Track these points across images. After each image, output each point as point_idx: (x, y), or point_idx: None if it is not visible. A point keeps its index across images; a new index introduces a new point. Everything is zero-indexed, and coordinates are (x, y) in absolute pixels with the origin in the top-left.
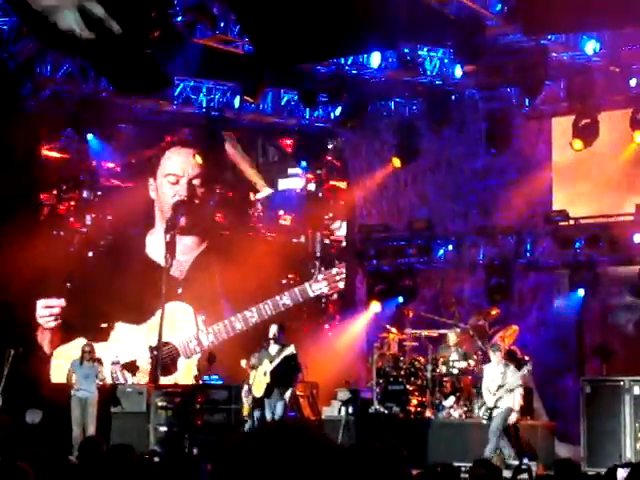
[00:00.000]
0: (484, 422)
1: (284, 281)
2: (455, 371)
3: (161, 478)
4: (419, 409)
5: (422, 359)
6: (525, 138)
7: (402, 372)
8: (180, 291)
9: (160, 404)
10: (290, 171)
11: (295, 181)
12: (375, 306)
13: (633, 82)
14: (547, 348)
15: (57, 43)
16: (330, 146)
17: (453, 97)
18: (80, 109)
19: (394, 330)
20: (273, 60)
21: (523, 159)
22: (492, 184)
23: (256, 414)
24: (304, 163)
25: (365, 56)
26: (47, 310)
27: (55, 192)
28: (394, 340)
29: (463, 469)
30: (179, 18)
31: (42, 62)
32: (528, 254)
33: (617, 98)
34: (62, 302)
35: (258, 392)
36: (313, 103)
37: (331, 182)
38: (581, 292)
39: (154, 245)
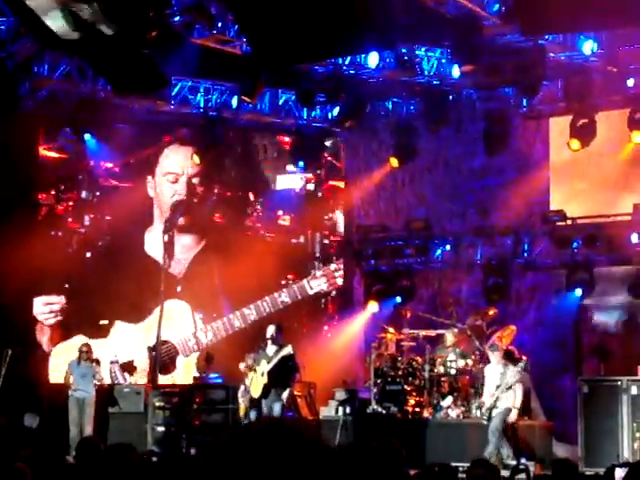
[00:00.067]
0: (484, 422)
1: (283, 281)
2: (453, 371)
3: (159, 478)
4: (417, 409)
5: (420, 359)
6: (523, 138)
7: (400, 372)
8: (179, 289)
9: (158, 404)
10: (289, 169)
11: (294, 180)
12: (373, 306)
13: (630, 82)
14: (545, 348)
15: (54, 43)
16: (327, 143)
17: (451, 97)
18: (78, 109)
19: (392, 330)
20: (271, 60)
21: (521, 159)
22: (490, 184)
23: (252, 414)
24: (301, 163)
25: (363, 56)
26: (47, 307)
27: (53, 192)
28: (392, 340)
29: (461, 469)
30: (177, 18)
31: (40, 62)
32: (526, 254)
33: (615, 98)
34: (62, 299)
35: (255, 392)
36: (311, 103)
37: (330, 182)
38: (578, 292)
39: (152, 243)
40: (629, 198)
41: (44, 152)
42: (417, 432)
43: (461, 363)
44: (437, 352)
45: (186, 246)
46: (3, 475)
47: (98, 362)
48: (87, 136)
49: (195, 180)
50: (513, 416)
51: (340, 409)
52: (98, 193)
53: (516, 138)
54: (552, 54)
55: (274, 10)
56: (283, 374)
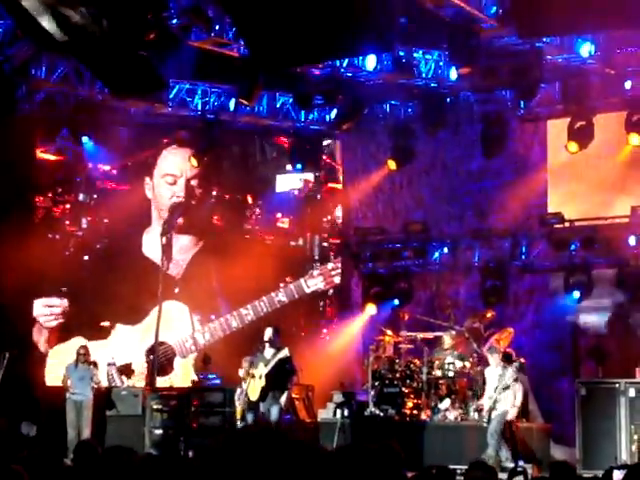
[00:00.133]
0: (484, 425)
1: (282, 284)
2: (450, 374)
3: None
4: (415, 411)
5: (417, 362)
6: (520, 140)
7: (398, 375)
8: (177, 290)
9: (155, 407)
10: (289, 169)
11: (294, 181)
12: (371, 308)
13: (628, 84)
14: (542, 350)
15: (52, 45)
16: (325, 143)
17: (448, 99)
18: (75, 112)
19: (389, 333)
20: (268, 62)
21: (518, 161)
22: (487, 186)
23: (249, 417)
24: (299, 165)
25: (360, 58)
26: (48, 309)
27: (50, 195)
28: (389, 343)
29: (458, 471)
30: (174, 21)
31: (37, 65)
32: (523, 256)
33: (612, 100)
34: (65, 302)
35: (253, 396)
36: (308, 105)
37: (330, 184)
38: (576, 294)
39: (150, 244)
40: (627, 200)
41: (41, 155)
42: (415, 434)
43: (459, 365)
44: (435, 354)
45: (184, 247)
46: (1, 477)
47: (95, 364)
48: (85, 139)
49: (194, 182)
50: (512, 414)
51: (338, 412)
52: (95, 196)
53: (514, 141)
54: (549, 56)
55: (271, 12)
56: (280, 377)
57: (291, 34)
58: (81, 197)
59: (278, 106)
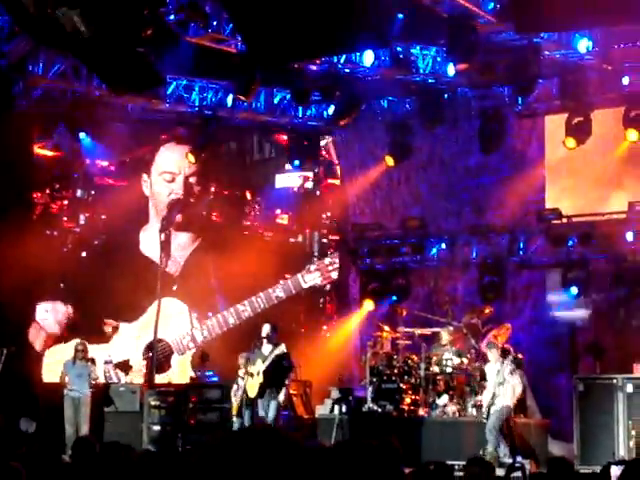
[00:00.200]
0: (484, 421)
1: (281, 281)
2: (448, 369)
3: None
4: (412, 407)
5: (415, 357)
6: (518, 136)
7: (395, 370)
8: (175, 288)
9: (153, 403)
10: (287, 167)
11: (292, 178)
12: (368, 304)
13: (625, 80)
14: (540, 346)
15: (49, 41)
16: (323, 142)
17: (446, 95)
18: (72, 108)
19: (387, 328)
20: (266, 58)
21: (516, 157)
22: (485, 182)
23: (245, 413)
24: (297, 162)
25: (358, 54)
26: (51, 315)
27: (48, 191)
28: (387, 339)
29: (456, 467)
30: (171, 17)
31: (34, 61)
32: (521, 252)
33: (610, 96)
34: (69, 309)
35: (252, 392)
36: (306, 101)
37: (329, 180)
38: (574, 290)
39: (147, 241)
40: (624, 196)
41: (39, 151)
42: (413, 430)
43: (457, 361)
44: (433, 350)
45: (182, 245)
46: None
47: (93, 361)
48: (82, 135)
49: (192, 179)
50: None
51: (336, 407)
52: (93, 192)
53: (511, 136)
54: (547, 52)
55: (269, 8)
56: (278, 373)
57: (288, 30)
58: (79, 193)
59: (276, 102)
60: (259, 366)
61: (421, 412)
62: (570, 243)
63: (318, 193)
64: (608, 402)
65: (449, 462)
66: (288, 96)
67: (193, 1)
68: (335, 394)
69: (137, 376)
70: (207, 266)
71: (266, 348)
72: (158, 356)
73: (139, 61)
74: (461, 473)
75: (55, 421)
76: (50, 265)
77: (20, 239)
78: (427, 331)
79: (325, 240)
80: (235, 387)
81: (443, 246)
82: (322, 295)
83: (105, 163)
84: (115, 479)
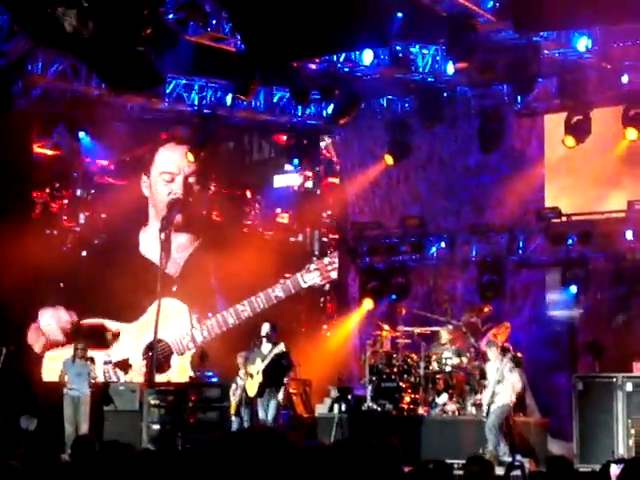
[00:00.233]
0: (484, 420)
1: (282, 280)
2: (448, 368)
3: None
4: (412, 406)
5: (415, 356)
6: (517, 135)
7: (395, 369)
8: (175, 289)
9: (153, 402)
10: (287, 168)
11: (292, 178)
12: (368, 303)
13: (625, 79)
14: (539, 345)
15: (49, 40)
16: (323, 143)
17: (445, 94)
18: (72, 107)
19: (387, 327)
20: (265, 57)
21: (515, 156)
22: (484, 181)
23: (244, 412)
24: (296, 161)
25: (357, 53)
26: (53, 321)
27: (48, 190)
28: (387, 337)
29: (456, 466)
30: (171, 16)
31: (33, 60)
32: (520, 251)
33: (609, 95)
34: (74, 316)
35: (252, 391)
36: (305, 100)
37: (329, 179)
38: (573, 289)
39: (147, 242)
40: (622, 195)
41: (38, 150)
42: (412, 429)
43: (456, 360)
44: (432, 349)
45: (182, 246)
46: None
47: (93, 360)
48: (81, 134)
49: (191, 179)
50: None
51: (336, 406)
52: (93, 191)
53: (511, 135)
54: (546, 51)
55: (268, 7)
56: (277, 372)
57: (288, 29)
58: (79, 192)
59: (275, 101)
60: (258, 365)
61: (420, 411)
62: (569, 242)
63: (318, 192)
64: (607, 401)
65: (448, 461)
66: (287, 95)
67: (192, 0)
68: (334, 393)
69: (137, 376)
70: (207, 266)
71: (265, 347)
72: (158, 356)
73: (139, 60)
74: (460, 472)
75: (54, 420)
76: (50, 264)
77: (20, 238)
78: (426, 330)
79: (325, 239)
80: (234, 386)
81: (442, 245)
82: (322, 294)
83: (105, 162)
84: (115, 478)
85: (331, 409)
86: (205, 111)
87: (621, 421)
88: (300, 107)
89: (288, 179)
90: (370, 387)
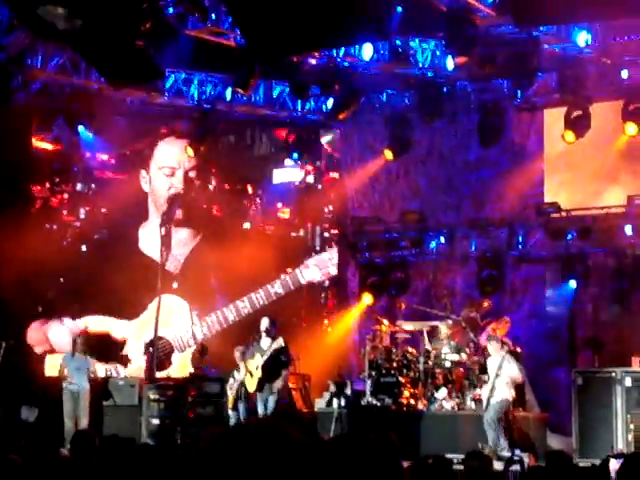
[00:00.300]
0: (483, 415)
1: (281, 276)
2: (447, 363)
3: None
4: (411, 401)
5: (414, 351)
6: (517, 130)
7: (394, 364)
8: (175, 285)
9: (152, 397)
10: (287, 163)
11: (292, 173)
12: (367, 298)
13: (624, 74)
14: (539, 340)
15: (48, 34)
16: (328, 137)
17: (445, 89)
18: (71, 101)
19: (386, 322)
20: (265, 52)
21: (515, 151)
22: (484, 176)
23: (241, 407)
24: (296, 155)
25: (357, 47)
26: (64, 334)
27: (48, 185)
28: (386, 332)
29: (455, 461)
30: (170, 10)
31: (33, 54)
32: (520, 246)
33: (609, 90)
34: (81, 325)
35: (251, 387)
36: (304, 95)
37: (331, 174)
38: (573, 284)
39: (147, 238)
40: (623, 190)
41: (38, 144)
42: (411, 424)
43: (455, 356)
44: (431, 344)
45: (182, 241)
46: None
47: (92, 355)
48: (81, 128)
49: (192, 173)
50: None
51: (335, 401)
52: (93, 185)
53: (510, 130)
54: (546, 45)
55: (267, 1)
56: (276, 367)
57: (287, 23)
58: (79, 187)
59: (275, 96)
60: (258, 360)
61: (420, 406)
62: (569, 237)
63: (320, 187)
64: (607, 395)
65: (447, 455)
66: (287, 90)
67: None
68: (333, 388)
69: (138, 373)
70: (207, 263)
71: (265, 342)
72: (158, 354)
73: (138, 54)
74: (460, 467)
75: (54, 414)
76: (50, 259)
77: (19, 233)
78: (426, 327)
79: (327, 234)
80: (231, 381)
81: (442, 240)
82: (324, 290)
83: (105, 156)
84: (114, 473)
85: (328, 404)
86: (205, 105)
87: (620, 416)
88: (300, 102)
89: (288, 174)
90: (369, 382)
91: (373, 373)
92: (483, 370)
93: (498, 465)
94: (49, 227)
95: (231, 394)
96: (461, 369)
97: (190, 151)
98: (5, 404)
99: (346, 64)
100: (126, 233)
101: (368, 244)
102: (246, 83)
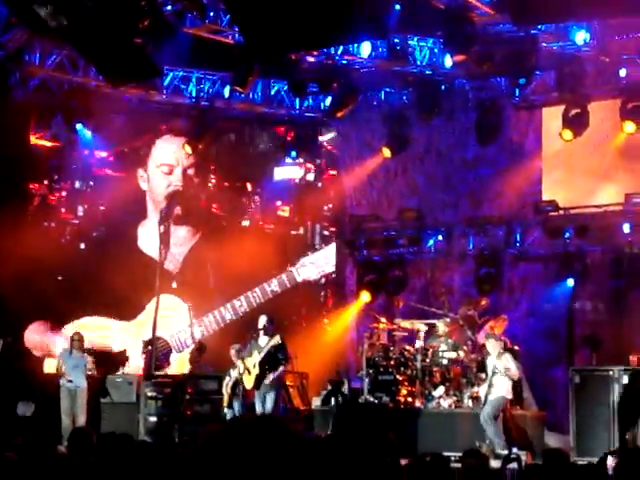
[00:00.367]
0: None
1: (284, 274)
2: (445, 361)
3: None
4: (409, 399)
5: (412, 349)
6: (515, 128)
7: (392, 362)
8: (175, 285)
9: (150, 394)
10: (288, 161)
11: (293, 171)
12: (365, 296)
13: (623, 72)
14: (537, 338)
15: (46, 32)
16: (329, 135)
17: (443, 87)
18: (69, 98)
19: (384, 320)
20: (263, 50)
21: (513, 149)
22: (482, 174)
23: (236, 405)
24: (294, 153)
25: (355, 46)
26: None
27: (46, 182)
28: (384, 330)
29: (452, 459)
30: (169, 7)
31: (31, 51)
32: (518, 244)
33: (607, 88)
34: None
35: (249, 384)
36: (303, 93)
37: (331, 172)
38: (571, 282)
39: (146, 237)
40: (620, 188)
41: (36, 141)
42: (409, 422)
43: (453, 353)
44: (429, 342)
45: (181, 240)
46: None
47: (89, 352)
48: (79, 125)
49: (190, 171)
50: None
51: (332, 399)
52: (92, 183)
53: (509, 128)
54: (544, 44)
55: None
56: (273, 365)
57: (286, 21)
58: (77, 184)
59: (273, 93)
60: (255, 358)
61: (417, 404)
62: (567, 235)
63: (320, 185)
64: (604, 394)
65: (445, 453)
66: (285, 87)
67: None
68: (329, 387)
69: (135, 372)
70: (206, 262)
71: (262, 340)
72: (156, 353)
73: (136, 52)
74: (457, 465)
75: (51, 411)
76: (48, 257)
77: (18, 231)
78: (423, 326)
79: (327, 232)
80: (227, 379)
81: (440, 238)
82: (323, 288)
83: (104, 154)
84: (112, 470)
85: (324, 402)
86: (203, 103)
87: (617, 414)
88: (298, 99)
89: (288, 172)
90: (367, 380)
91: (371, 371)
92: (481, 368)
93: (495, 463)
94: (47, 225)
95: (226, 392)
96: (458, 367)
97: (188, 148)
98: (2, 401)
99: (344, 62)
100: (125, 231)
101: (366, 242)
102: (244, 81)
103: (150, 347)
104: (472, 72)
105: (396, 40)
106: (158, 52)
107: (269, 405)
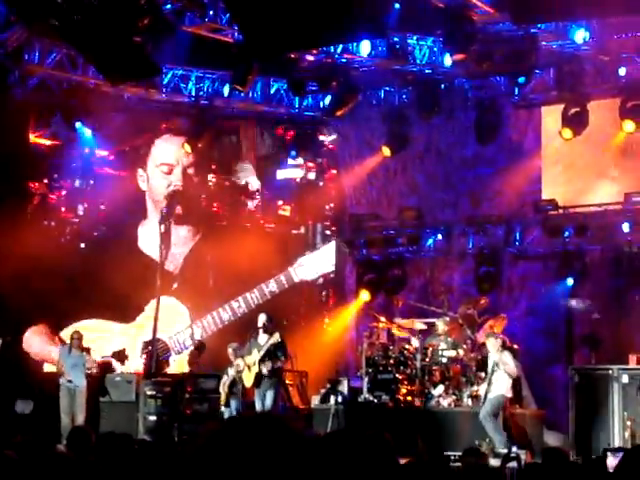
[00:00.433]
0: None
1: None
2: (444, 360)
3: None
4: (408, 398)
5: (411, 348)
6: (515, 127)
7: (391, 361)
8: (175, 286)
9: (149, 393)
10: (290, 162)
11: (294, 171)
12: (364, 295)
13: (622, 71)
14: (536, 337)
15: (45, 30)
16: (331, 136)
17: (442, 86)
18: (68, 97)
19: (383, 319)
20: (262, 48)
21: (512, 148)
22: (481, 173)
23: (233, 404)
24: (294, 152)
25: (355, 44)
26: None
27: (46, 181)
28: (383, 329)
29: (452, 457)
30: (168, 6)
31: (30, 50)
32: (517, 243)
33: (606, 87)
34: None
35: (248, 382)
36: (302, 92)
37: (332, 171)
38: (570, 281)
39: (146, 237)
40: (620, 187)
41: (36, 140)
42: (408, 421)
43: (452, 352)
44: (428, 340)
45: (182, 240)
46: None
47: (88, 351)
48: (78, 124)
49: (190, 170)
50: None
51: (332, 398)
52: (92, 182)
53: (508, 127)
54: (544, 43)
55: None
56: (273, 363)
57: (285, 20)
58: (77, 183)
59: (272, 92)
60: (255, 356)
61: (417, 402)
62: (566, 234)
63: (321, 184)
64: (604, 393)
65: (445, 452)
66: (285, 86)
67: None
68: (329, 385)
69: (135, 368)
70: (207, 262)
71: (262, 338)
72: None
73: (136, 50)
74: (457, 463)
75: (51, 410)
76: (48, 256)
77: (17, 230)
78: (423, 325)
79: (328, 232)
80: (225, 378)
81: (439, 237)
82: (324, 288)
83: (104, 153)
84: (111, 469)
85: (323, 401)
86: (202, 102)
87: (617, 413)
88: (297, 98)
89: (291, 172)
90: (366, 379)
91: (370, 370)
92: (480, 367)
93: (495, 462)
94: (47, 224)
95: (223, 391)
96: (458, 366)
97: (187, 147)
98: (2, 400)
99: (344, 61)
100: (125, 231)
101: (365, 241)
102: (244, 80)
103: (150, 347)
104: (471, 71)
105: (396, 39)
106: (157, 51)
107: (268, 402)
